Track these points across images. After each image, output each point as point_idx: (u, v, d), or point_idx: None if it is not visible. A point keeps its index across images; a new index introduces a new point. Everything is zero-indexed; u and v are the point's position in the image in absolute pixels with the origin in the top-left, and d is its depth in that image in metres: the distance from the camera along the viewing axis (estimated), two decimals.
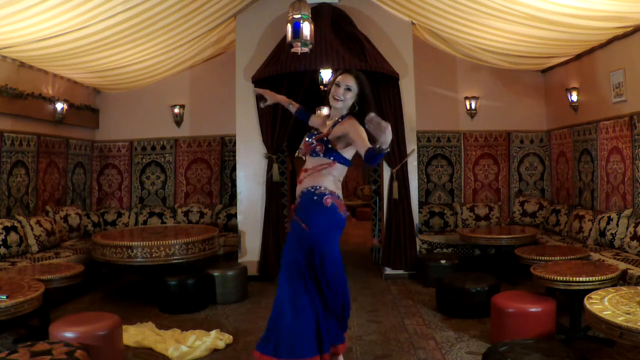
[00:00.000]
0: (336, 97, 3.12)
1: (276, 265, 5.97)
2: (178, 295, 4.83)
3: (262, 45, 6.05)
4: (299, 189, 3.19)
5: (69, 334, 3.16)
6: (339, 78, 3.16)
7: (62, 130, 6.56)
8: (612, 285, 3.54)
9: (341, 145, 3.12)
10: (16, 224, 5.31)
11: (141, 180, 7.53)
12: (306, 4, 4.40)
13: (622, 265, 4.18)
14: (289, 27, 4.36)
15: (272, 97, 3.62)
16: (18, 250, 5.24)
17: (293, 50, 4.47)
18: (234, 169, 6.97)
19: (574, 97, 6.19)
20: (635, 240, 4.69)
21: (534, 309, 3.59)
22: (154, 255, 4.90)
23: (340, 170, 3.17)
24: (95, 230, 6.65)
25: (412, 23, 6.13)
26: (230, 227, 6.89)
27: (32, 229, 5.44)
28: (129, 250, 4.90)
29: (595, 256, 4.70)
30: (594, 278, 3.58)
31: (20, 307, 3.18)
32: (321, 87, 6.31)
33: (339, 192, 3.18)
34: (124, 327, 3.91)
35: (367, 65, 5.47)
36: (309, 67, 5.50)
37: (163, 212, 7.12)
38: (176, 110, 7.41)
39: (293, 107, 3.60)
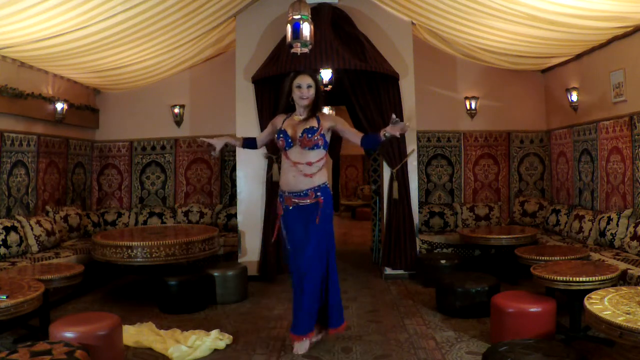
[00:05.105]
0: (303, 97, 3.55)
1: (276, 265, 5.98)
2: (178, 295, 4.83)
3: (262, 45, 6.05)
4: (311, 182, 3.54)
5: (69, 334, 3.16)
6: (298, 80, 3.57)
7: (62, 130, 6.56)
8: (612, 285, 3.54)
9: (328, 137, 3.63)
10: (16, 224, 5.31)
11: (141, 180, 7.53)
12: (306, 4, 4.40)
13: (622, 265, 4.18)
14: (289, 27, 4.37)
15: (219, 142, 3.82)
16: (18, 250, 5.24)
17: (293, 50, 4.48)
18: (234, 169, 6.98)
19: (574, 97, 6.19)
20: (635, 240, 4.69)
21: (534, 309, 3.59)
22: (154, 255, 4.90)
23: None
24: (95, 230, 6.65)
25: (412, 23, 6.12)
26: (230, 227, 6.89)
27: (32, 229, 5.44)
28: (129, 250, 4.90)
29: (595, 256, 4.70)
30: (594, 278, 3.58)
31: (20, 307, 3.18)
32: (321, 87, 6.30)
33: None
34: (124, 327, 3.91)
35: (367, 65, 5.47)
36: (309, 67, 5.49)
37: (163, 212, 7.12)
38: (176, 110, 7.41)
39: (238, 141, 3.91)
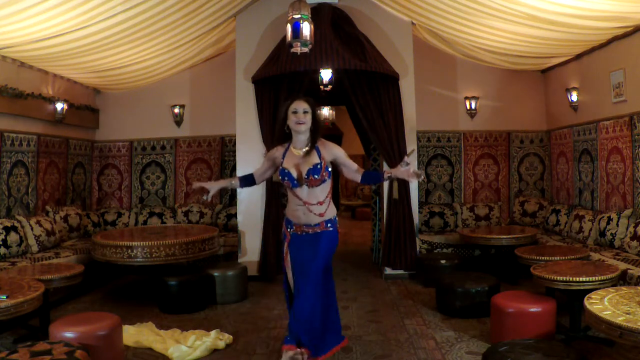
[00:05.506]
0: (299, 122, 3.39)
1: (276, 265, 5.98)
2: (178, 295, 4.83)
3: (262, 45, 6.06)
4: (322, 218, 3.44)
5: (69, 334, 3.17)
6: (293, 105, 3.43)
7: (62, 130, 6.56)
8: (612, 285, 3.54)
9: (331, 166, 3.49)
10: (16, 224, 5.31)
11: (141, 180, 7.53)
12: (306, 4, 4.40)
13: (622, 265, 4.18)
14: (289, 27, 4.36)
15: (214, 186, 3.59)
16: (18, 250, 5.24)
17: (293, 50, 4.47)
18: (234, 168, 6.97)
19: (574, 97, 6.19)
20: (635, 240, 4.69)
21: (534, 309, 3.59)
22: (154, 255, 4.90)
23: None
24: (95, 230, 6.65)
25: (412, 23, 6.13)
26: (230, 227, 6.89)
27: (32, 229, 5.45)
28: (129, 250, 4.90)
29: (595, 256, 4.70)
30: (594, 278, 3.59)
31: (20, 307, 3.18)
32: (321, 87, 6.31)
33: None
34: (124, 327, 3.91)
35: (367, 65, 5.48)
36: (309, 67, 5.50)
37: (163, 212, 7.12)
38: (176, 110, 7.41)
39: (235, 181, 3.73)
